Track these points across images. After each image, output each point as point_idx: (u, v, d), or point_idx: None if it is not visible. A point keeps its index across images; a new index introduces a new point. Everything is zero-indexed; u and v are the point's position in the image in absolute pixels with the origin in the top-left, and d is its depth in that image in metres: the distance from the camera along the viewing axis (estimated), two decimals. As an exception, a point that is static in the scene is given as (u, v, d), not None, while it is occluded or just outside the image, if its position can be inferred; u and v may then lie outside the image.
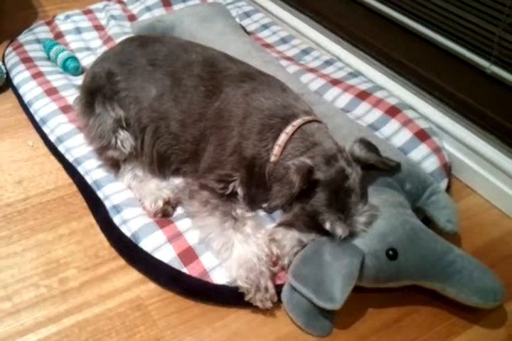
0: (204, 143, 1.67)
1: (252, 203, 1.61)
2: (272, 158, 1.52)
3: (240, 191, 1.58)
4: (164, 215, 1.66)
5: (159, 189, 1.70)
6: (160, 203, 1.65)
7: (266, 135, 1.54)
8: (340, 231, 1.39)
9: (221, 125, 1.62)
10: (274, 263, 1.49)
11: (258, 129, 1.56)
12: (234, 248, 1.47)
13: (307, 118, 1.56)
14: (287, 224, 1.48)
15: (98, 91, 1.79)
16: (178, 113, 1.70)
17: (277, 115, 1.56)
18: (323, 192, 1.41)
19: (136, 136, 1.77)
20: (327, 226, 1.40)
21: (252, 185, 1.58)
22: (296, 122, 1.53)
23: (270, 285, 1.43)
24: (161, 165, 1.77)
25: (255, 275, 1.41)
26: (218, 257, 1.50)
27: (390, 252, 1.40)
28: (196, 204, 1.58)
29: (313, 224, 1.44)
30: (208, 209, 1.55)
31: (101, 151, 1.81)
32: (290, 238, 1.47)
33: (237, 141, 1.57)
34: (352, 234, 1.43)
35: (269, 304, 1.43)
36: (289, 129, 1.52)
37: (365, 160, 1.50)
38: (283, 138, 1.51)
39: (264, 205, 1.54)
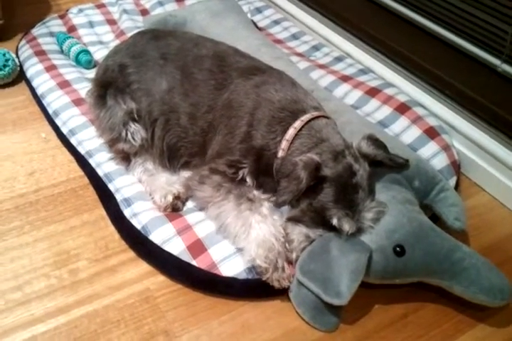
0: (212, 134, 1.67)
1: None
2: (280, 153, 1.53)
3: (249, 179, 1.58)
4: (174, 210, 1.67)
5: (169, 184, 1.71)
6: (170, 198, 1.66)
7: (275, 127, 1.55)
8: (347, 227, 1.40)
9: (230, 114, 1.63)
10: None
11: (267, 121, 1.56)
12: (252, 228, 1.47)
13: (316, 113, 1.56)
14: (295, 220, 1.49)
15: (110, 84, 1.81)
16: (188, 106, 1.71)
17: (287, 108, 1.57)
18: (331, 188, 1.41)
19: (146, 129, 1.78)
20: (334, 222, 1.40)
21: (260, 174, 1.58)
22: (305, 117, 1.54)
23: (286, 265, 1.46)
24: (171, 158, 1.78)
25: (273, 255, 1.43)
26: (236, 239, 1.50)
27: (398, 249, 1.41)
28: (208, 189, 1.57)
29: (320, 220, 1.45)
30: (221, 193, 1.54)
31: (111, 143, 1.82)
32: (298, 233, 1.47)
33: (246, 129, 1.58)
34: (359, 230, 1.43)
35: (285, 283, 1.45)
36: (298, 124, 1.52)
37: (372, 157, 1.50)
38: (291, 132, 1.52)
39: (273, 199, 1.54)
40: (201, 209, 1.66)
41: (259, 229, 1.47)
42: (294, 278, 1.47)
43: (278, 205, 1.49)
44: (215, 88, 1.69)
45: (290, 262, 1.49)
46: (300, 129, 1.52)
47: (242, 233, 1.49)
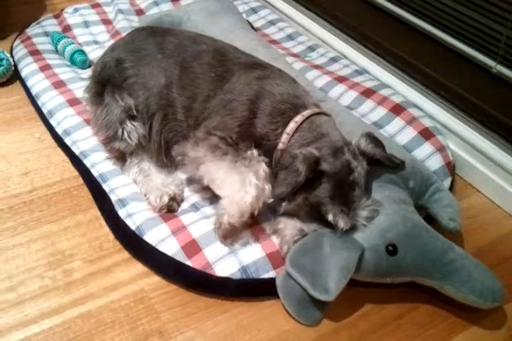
0: (206, 115, 1.65)
1: None
2: (280, 146, 1.53)
3: None
4: (169, 211, 1.66)
5: (165, 185, 1.71)
6: (165, 199, 1.66)
7: (277, 118, 1.55)
8: (342, 223, 1.40)
9: (231, 98, 1.61)
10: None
11: (269, 111, 1.56)
12: (243, 186, 1.45)
13: (316, 109, 1.57)
14: (290, 214, 1.49)
15: (108, 81, 1.80)
16: (185, 99, 1.70)
17: (289, 102, 1.57)
18: (328, 184, 1.41)
19: (144, 123, 1.77)
20: (330, 217, 1.41)
21: None
22: (306, 112, 1.54)
23: (245, 235, 1.51)
24: (168, 152, 1.77)
25: (240, 222, 1.46)
26: (220, 187, 1.51)
27: (390, 248, 1.41)
28: (202, 149, 1.53)
29: (315, 215, 1.45)
30: (216, 154, 1.51)
31: (107, 142, 1.81)
32: (292, 227, 1.48)
33: (247, 115, 1.57)
34: (353, 228, 1.43)
35: (227, 243, 1.49)
36: (299, 118, 1.53)
37: (371, 155, 1.51)
38: (292, 126, 1.52)
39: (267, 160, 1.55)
40: (191, 179, 1.69)
41: (248, 192, 1.45)
42: (283, 269, 1.48)
43: (275, 198, 1.49)
44: (214, 80, 1.68)
45: (282, 257, 1.49)
46: (301, 123, 1.52)
47: (230, 184, 1.48)
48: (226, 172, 1.49)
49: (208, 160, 1.52)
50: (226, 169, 1.50)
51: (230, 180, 1.48)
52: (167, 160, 1.79)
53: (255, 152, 1.54)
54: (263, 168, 1.50)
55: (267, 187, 1.49)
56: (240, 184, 1.46)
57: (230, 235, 1.50)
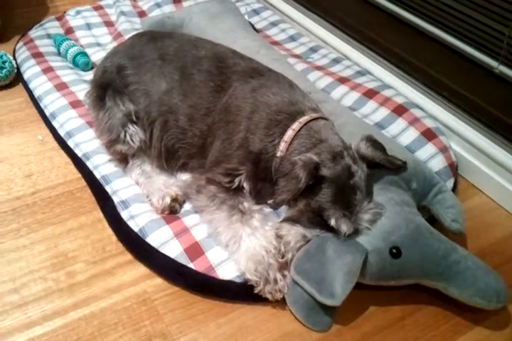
0: (211, 138, 1.68)
1: (259, 197, 1.61)
2: (278, 154, 1.53)
3: (246, 185, 1.59)
4: (171, 212, 1.67)
5: (167, 186, 1.71)
6: (167, 200, 1.66)
7: (273, 130, 1.55)
8: (345, 228, 1.40)
9: (228, 119, 1.63)
10: (282, 255, 1.48)
11: (265, 124, 1.56)
12: (242, 241, 1.48)
13: (314, 115, 1.56)
14: (292, 220, 1.49)
15: (109, 86, 1.81)
16: (187, 107, 1.71)
17: (284, 111, 1.57)
18: (329, 189, 1.41)
19: (145, 129, 1.78)
20: (332, 222, 1.40)
21: (258, 179, 1.58)
22: (303, 119, 1.54)
23: (279, 276, 1.44)
24: (169, 159, 1.78)
25: (263, 268, 1.42)
26: (226, 250, 1.51)
27: (394, 250, 1.40)
28: (204, 198, 1.59)
29: (317, 220, 1.45)
30: (215, 203, 1.56)
31: (110, 145, 1.82)
32: (294, 233, 1.47)
33: (244, 135, 1.58)
34: (356, 232, 1.43)
35: (278, 295, 1.44)
36: (296, 126, 1.53)
37: (371, 158, 1.50)
38: (289, 134, 1.52)
39: (270, 201, 1.54)
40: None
41: (249, 241, 1.47)
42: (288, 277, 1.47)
43: (276, 205, 1.49)
44: (213, 90, 1.69)
45: (286, 262, 1.48)
46: (298, 130, 1.52)
47: (233, 245, 1.49)
48: (224, 228, 1.52)
49: (208, 210, 1.58)
50: (224, 224, 1.53)
51: (229, 239, 1.50)
52: (167, 167, 1.80)
53: (247, 205, 1.57)
54: (256, 218, 1.54)
55: (267, 227, 1.52)
56: (239, 239, 1.49)
57: (273, 288, 1.45)
